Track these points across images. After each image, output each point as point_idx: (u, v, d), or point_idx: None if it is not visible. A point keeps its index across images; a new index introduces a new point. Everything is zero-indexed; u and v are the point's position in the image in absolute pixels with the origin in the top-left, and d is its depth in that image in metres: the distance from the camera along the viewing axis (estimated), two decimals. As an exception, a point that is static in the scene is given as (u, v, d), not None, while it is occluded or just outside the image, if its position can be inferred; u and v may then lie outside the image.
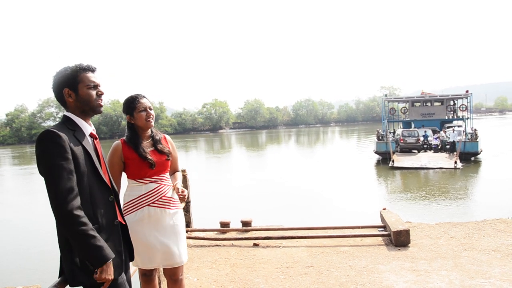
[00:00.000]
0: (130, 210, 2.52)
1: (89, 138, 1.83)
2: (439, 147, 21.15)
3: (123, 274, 1.87)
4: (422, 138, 21.11)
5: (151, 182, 2.55)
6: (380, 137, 21.37)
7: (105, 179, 1.82)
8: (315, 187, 14.68)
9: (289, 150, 32.80)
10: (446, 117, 25.91)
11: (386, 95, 29.86)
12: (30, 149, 47.89)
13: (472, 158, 19.44)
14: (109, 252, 1.65)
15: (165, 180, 2.62)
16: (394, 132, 24.01)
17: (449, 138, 20.08)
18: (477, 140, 19.21)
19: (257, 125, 79.43)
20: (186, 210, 4.96)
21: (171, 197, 2.60)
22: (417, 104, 26.56)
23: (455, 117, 26.37)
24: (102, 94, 1.86)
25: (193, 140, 54.23)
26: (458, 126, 22.99)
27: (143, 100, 2.57)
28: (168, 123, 73.49)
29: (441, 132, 22.06)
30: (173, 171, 2.77)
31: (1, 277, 7.12)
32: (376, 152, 21.13)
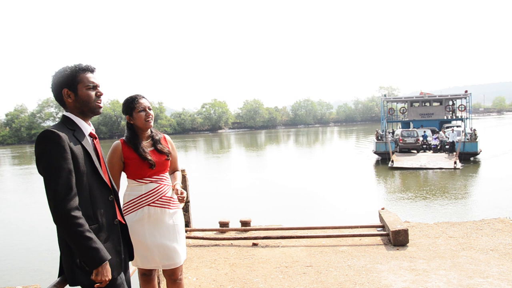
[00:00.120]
0: (130, 209, 2.53)
1: (88, 138, 1.83)
2: (438, 147, 21.17)
3: (122, 273, 1.87)
4: (421, 138, 21.12)
5: (151, 182, 2.55)
6: (379, 137, 21.37)
7: (104, 178, 1.82)
8: (314, 187, 14.69)
9: (288, 150, 32.80)
10: (445, 117, 25.93)
11: (385, 95, 29.88)
12: (30, 149, 47.86)
13: (472, 159, 19.47)
14: (105, 254, 1.65)
15: (165, 180, 2.63)
16: (393, 132, 24.03)
17: (448, 138, 20.10)
18: (477, 140, 19.23)
19: (256, 125, 79.46)
20: (185, 210, 4.97)
21: (170, 197, 2.61)
22: (416, 104, 26.58)
23: (454, 117, 26.40)
24: (101, 94, 1.86)
25: (192, 140, 54.22)
26: (457, 126, 23.00)
27: (142, 101, 2.58)
28: (167, 123, 73.48)
29: (440, 132, 22.08)
30: (173, 171, 2.78)
31: (1, 277, 7.12)
32: (375, 152, 21.13)
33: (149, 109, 2.60)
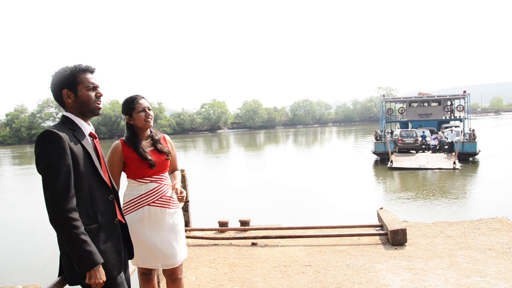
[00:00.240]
0: (130, 209, 2.54)
1: (88, 138, 1.83)
2: (437, 147, 21.19)
3: (122, 273, 1.88)
4: (420, 139, 21.12)
5: (151, 181, 2.56)
6: (378, 138, 21.37)
7: (104, 178, 1.83)
8: (313, 187, 14.71)
9: (287, 150, 32.82)
10: (444, 118, 25.97)
11: (383, 96, 29.91)
12: (30, 149, 47.82)
13: (470, 159, 19.48)
14: (98, 257, 1.65)
15: (165, 179, 2.64)
16: (392, 133, 24.05)
17: (447, 138, 20.11)
18: (475, 140, 19.26)
19: (255, 125, 79.49)
20: (185, 209, 4.98)
21: (170, 197, 2.62)
22: (415, 105, 26.60)
23: (452, 117, 26.44)
24: (101, 95, 1.86)
25: (192, 140, 54.21)
26: (456, 127, 23.03)
27: (142, 101, 2.59)
28: (167, 123, 73.50)
29: (439, 132, 22.10)
30: (172, 170, 2.79)
31: (1, 276, 7.13)
32: (374, 153, 21.11)
33: (149, 109, 2.61)
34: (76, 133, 1.76)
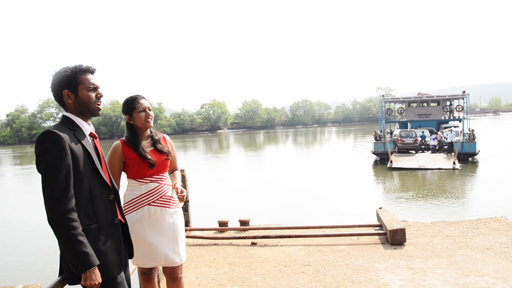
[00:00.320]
0: (131, 209, 2.55)
1: (89, 138, 1.84)
2: (437, 147, 21.19)
3: (122, 272, 1.88)
4: (419, 139, 21.11)
5: (151, 181, 2.57)
6: (377, 138, 21.37)
7: (105, 178, 1.84)
8: (312, 187, 14.72)
9: (287, 150, 32.84)
10: (443, 118, 25.97)
11: (383, 96, 29.92)
12: (31, 149, 47.82)
13: (470, 159, 19.48)
14: (94, 259, 1.65)
15: (165, 179, 2.65)
16: (391, 133, 24.06)
17: (446, 138, 20.11)
18: (475, 140, 19.27)
19: (255, 126, 79.53)
20: (185, 209, 4.99)
21: (171, 196, 2.63)
22: (414, 105, 26.58)
23: (452, 117, 26.45)
24: (101, 96, 1.86)
25: (192, 140, 54.22)
26: (455, 127, 23.04)
27: (143, 101, 2.60)
28: (167, 123, 73.54)
29: (439, 132, 22.11)
30: (172, 170, 2.80)
31: (1, 276, 7.14)
32: (374, 153, 21.10)
33: (149, 109, 2.62)
34: (77, 133, 1.77)
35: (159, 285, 3.09)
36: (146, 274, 2.73)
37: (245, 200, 12.97)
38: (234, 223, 5.59)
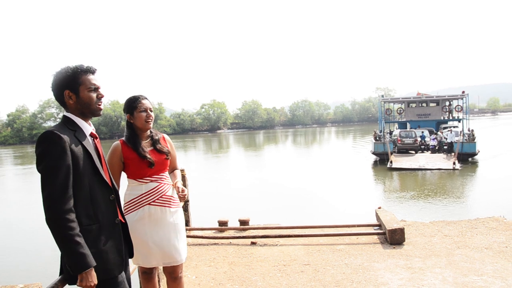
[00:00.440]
0: (131, 209, 2.56)
1: (89, 138, 1.84)
2: (436, 147, 21.18)
3: (122, 272, 1.89)
4: (419, 139, 21.09)
5: (151, 181, 2.58)
6: (377, 138, 21.36)
7: (105, 178, 1.84)
8: (312, 187, 14.74)
9: (286, 150, 32.86)
10: (442, 118, 25.97)
11: (382, 96, 29.93)
12: (31, 149, 47.85)
13: (470, 159, 19.48)
14: (90, 260, 1.64)
15: (165, 179, 2.66)
16: (390, 133, 24.06)
17: (446, 138, 20.10)
18: (475, 140, 19.27)
19: (254, 126, 79.59)
20: (185, 209, 5.01)
21: (171, 196, 2.64)
22: (413, 105, 26.58)
23: (451, 117, 26.45)
24: (102, 97, 1.87)
25: (192, 140, 54.25)
26: (454, 127, 23.05)
27: (145, 101, 2.61)
28: (167, 123, 73.62)
29: (439, 132, 22.11)
30: (172, 169, 2.81)
31: (2, 275, 7.16)
32: (373, 153, 21.07)
33: (151, 110, 2.63)
34: (77, 133, 1.77)
35: (159, 285, 3.10)
36: (147, 274, 2.75)
37: (244, 200, 12.98)
38: (234, 223, 5.60)
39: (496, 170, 16.90)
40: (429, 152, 20.98)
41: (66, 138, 1.68)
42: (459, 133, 20.54)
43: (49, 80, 1.82)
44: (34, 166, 1.82)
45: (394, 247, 4.32)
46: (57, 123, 1.85)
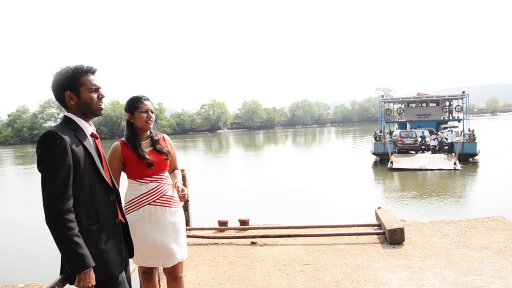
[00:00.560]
0: (131, 209, 2.57)
1: (90, 138, 1.85)
2: (437, 148, 21.15)
3: (123, 272, 1.90)
4: (419, 139, 21.06)
5: (151, 181, 2.59)
6: (377, 138, 21.34)
7: (106, 178, 1.85)
8: (312, 187, 14.75)
9: (286, 151, 32.87)
10: (442, 118, 25.94)
11: (382, 96, 29.91)
12: (32, 149, 47.95)
13: (470, 159, 19.45)
14: (89, 261, 1.64)
15: (165, 179, 2.67)
16: (390, 133, 24.04)
17: (447, 139, 20.07)
18: (475, 141, 19.25)
19: (254, 126, 79.62)
20: (185, 209, 5.01)
21: (171, 196, 2.65)
22: (413, 105, 26.56)
23: (451, 118, 26.44)
24: (103, 97, 1.87)
25: (192, 140, 54.27)
26: (454, 127, 23.02)
27: (147, 102, 2.62)
28: (167, 123, 73.69)
29: (439, 133, 22.08)
30: (172, 169, 2.82)
31: (3, 275, 7.17)
32: (373, 153, 21.04)
33: (152, 112, 2.64)
34: (78, 133, 1.78)
35: (159, 284, 3.11)
36: (147, 273, 2.75)
37: (244, 200, 13.00)
38: (233, 223, 5.61)
39: (497, 170, 16.89)
40: (430, 152, 20.94)
41: (67, 138, 1.68)
42: (459, 133, 20.51)
43: (49, 80, 1.83)
44: (35, 166, 1.83)
45: (393, 247, 4.33)
46: (58, 123, 1.85)
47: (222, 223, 5.48)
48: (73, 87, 1.78)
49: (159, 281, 3.10)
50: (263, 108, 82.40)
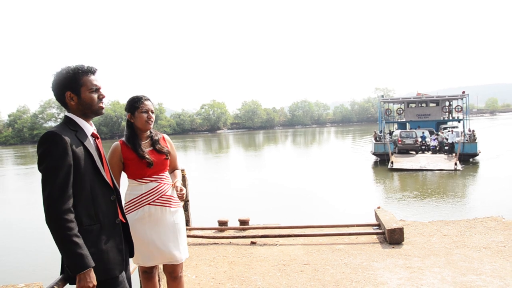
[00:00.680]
0: (131, 209, 2.58)
1: (91, 138, 1.85)
2: (437, 148, 21.12)
3: (123, 271, 1.90)
4: (420, 139, 21.03)
5: (151, 181, 2.59)
6: (377, 138, 21.31)
7: (106, 178, 1.85)
8: (312, 187, 14.76)
9: (286, 151, 32.87)
10: (442, 118, 25.91)
11: (382, 96, 29.88)
12: (32, 149, 47.98)
13: (471, 160, 19.42)
14: (88, 261, 1.64)
15: (165, 179, 2.68)
16: (390, 133, 24.02)
17: (447, 139, 20.03)
18: (476, 141, 19.22)
19: (254, 126, 79.63)
20: (185, 209, 5.03)
21: (171, 196, 2.65)
22: (413, 105, 26.50)
23: (451, 118, 26.41)
24: (103, 97, 1.87)
25: (192, 140, 54.27)
26: (454, 127, 22.99)
27: (147, 102, 2.63)
28: (167, 123, 73.71)
29: (440, 133, 22.05)
30: (173, 169, 2.83)
31: (3, 275, 7.18)
32: (374, 153, 21.00)
33: (152, 112, 2.65)
34: (78, 134, 1.78)
35: (159, 284, 3.12)
36: (147, 273, 2.76)
37: (244, 200, 13.01)
38: (233, 223, 5.62)
39: (497, 170, 16.88)
40: (430, 152, 20.89)
41: (67, 138, 1.69)
42: (460, 133, 20.47)
43: (49, 81, 1.82)
44: (35, 166, 1.84)
45: (393, 247, 4.34)
46: (59, 123, 1.85)
47: (222, 223, 5.49)
48: (74, 87, 1.78)
49: (159, 280, 3.11)
50: (263, 108, 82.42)
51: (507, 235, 4.51)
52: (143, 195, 2.57)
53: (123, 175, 2.66)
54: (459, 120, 24.59)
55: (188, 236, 4.93)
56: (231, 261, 4.21)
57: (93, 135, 1.88)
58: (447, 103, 26.59)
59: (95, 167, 1.80)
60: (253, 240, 4.80)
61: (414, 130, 22.55)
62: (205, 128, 77.67)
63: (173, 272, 2.68)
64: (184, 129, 75.68)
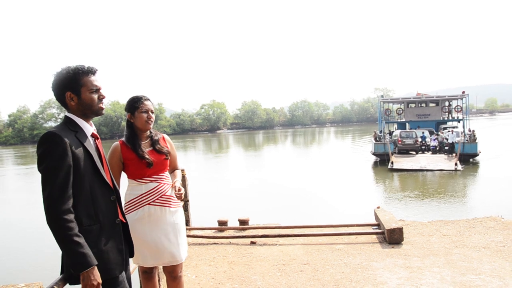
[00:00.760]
0: (131, 209, 2.58)
1: (90, 139, 1.85)
2: (437, 148, 21.11)
3: (123, 271, 1.91)
4: (420, 140, 21.01)
5: (151, 181, 2.60)
6: (377, 138, 21.29)
7: (106, 179, 1.85)
8: (312, 187, 14.76)
9: (286, 151, 32.88)
10: (441, 118, 25.90)
11: (382, 96, 29.87)
12: (32, 149, 47.96)
13: (471, 160, 19.40)
14: (91, 259, 1.64)
15: (165, 179, 2.68)
16: (390, 133, 24.01)
17: (447, 139, 20.01)
18: (476, 141, 19.21)
19: (254, 126, 79.65)
20: (185, 209, 5.03)
21: (170, 196, 2.66)
22: (413, 105, 26.49)
23: (450, 118, 26.40)
24: (104, 97, 1.87)
25: (192, 140, 54.28)
26: (454, 127, 22.97)
27: (147, 102, 2.64)
28: (167, 123, 73.72)
29: (440, 133, 22.03)
30: (173, 169, 2.83)
31: (3, 275, 7.18)
32: (373, 154, 20.97)
33: (152, 112, 2.65)
34: (78, 134, 1.78)
35: (159, 284, 3.12)
36: (147, 273, 2.77)
37: (244, 199, 13.01)
38: (233, 223, 5.63)
39: (497, 170, 16.87)
40: (430, 152, 20.86)
41: (67, 139, 1.69)
42: (460, 133, 20.44)
43: (50, 81, 1.82)
44: (35, 166, 1.84)
45: (392, 247, 4.35)
46: (59, 123, 1.85)
47: (222, 223, 5.50)
48: (74, 88, 1.79)
49: (159, 280, 3.11)
50: (262, 109, 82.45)
51: (506, 235, 4.52)
52: (143, 195, 2.58)
53: (123, 175, 2.66)
54: (458, 120, 24.58)
55: (188, 236, 4.93)
56: (231, 261, 4.21)
57: (93, 135, 1.88)
58: (446, 103, 26.59)
59: (95, 168, 1.80)
60: (253, 240, 4.81)
61: (414, 130, 22.53)
62: (205, 128, 77.70)
63: (173, 272, 2.68)
64: (184, 129, 75.70)
